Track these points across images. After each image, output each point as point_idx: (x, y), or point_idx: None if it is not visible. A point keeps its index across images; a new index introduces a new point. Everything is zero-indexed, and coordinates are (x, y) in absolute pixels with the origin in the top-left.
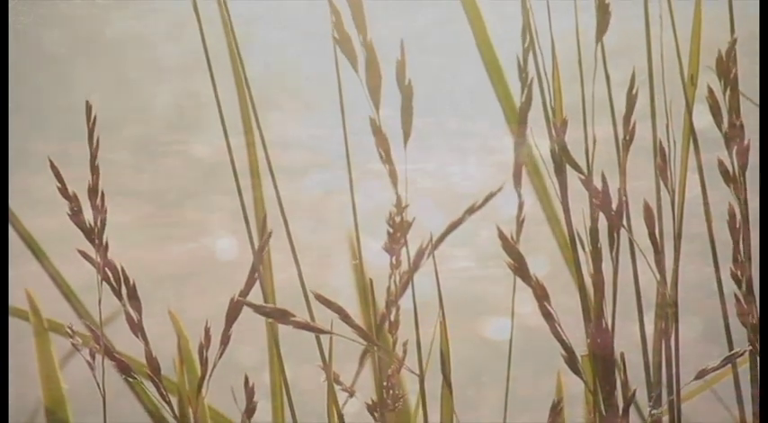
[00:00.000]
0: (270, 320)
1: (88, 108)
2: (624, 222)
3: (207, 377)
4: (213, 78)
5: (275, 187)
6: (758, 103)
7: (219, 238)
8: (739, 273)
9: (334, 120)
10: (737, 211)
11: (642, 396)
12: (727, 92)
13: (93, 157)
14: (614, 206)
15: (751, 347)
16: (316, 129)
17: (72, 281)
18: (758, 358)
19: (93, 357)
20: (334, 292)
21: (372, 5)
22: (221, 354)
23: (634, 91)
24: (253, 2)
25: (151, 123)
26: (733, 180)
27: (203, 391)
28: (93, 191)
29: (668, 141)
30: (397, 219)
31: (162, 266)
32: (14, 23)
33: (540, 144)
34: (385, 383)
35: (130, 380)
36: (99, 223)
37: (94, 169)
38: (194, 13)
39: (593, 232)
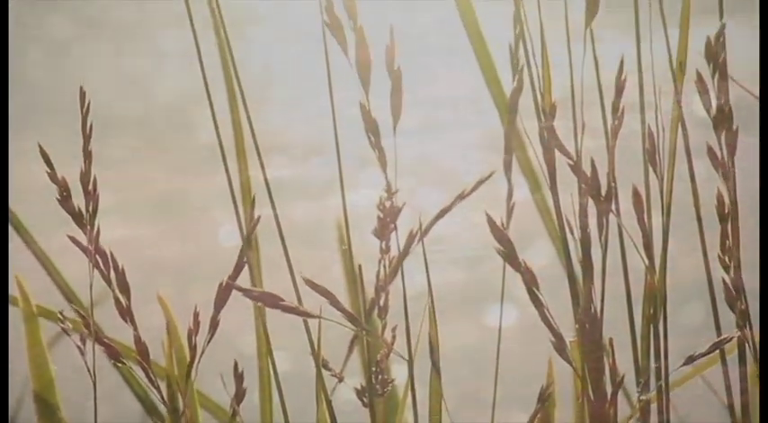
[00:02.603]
0: (258, 304)
1: (82, 94)
2: (613, 207)
3: (196, 362)
4: (202, 65)
5: (263, 171)
6: (744, 85)
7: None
8: (727, 258)
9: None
10: (726, 196)
11: (631, 381)
12: (716, 77)
13: (87, 142)
14: (603, 191)
15: (739, 333)
16: (312, 120)
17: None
18: (757, 352)
19: (83, 343)
20: (323, 277)
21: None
22: (210, 339)
23: (623, 77)
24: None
25: (153, 110)
26: (721, 165)
27: (192, 376)
28: (85, 177)
29: (657, 127)
30: (387, 204)
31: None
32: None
33: (530, 129)
34: (374, 369)
35: (119, 365)
36: (91, 209)
37: (87, 155)
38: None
39: (582, 217)
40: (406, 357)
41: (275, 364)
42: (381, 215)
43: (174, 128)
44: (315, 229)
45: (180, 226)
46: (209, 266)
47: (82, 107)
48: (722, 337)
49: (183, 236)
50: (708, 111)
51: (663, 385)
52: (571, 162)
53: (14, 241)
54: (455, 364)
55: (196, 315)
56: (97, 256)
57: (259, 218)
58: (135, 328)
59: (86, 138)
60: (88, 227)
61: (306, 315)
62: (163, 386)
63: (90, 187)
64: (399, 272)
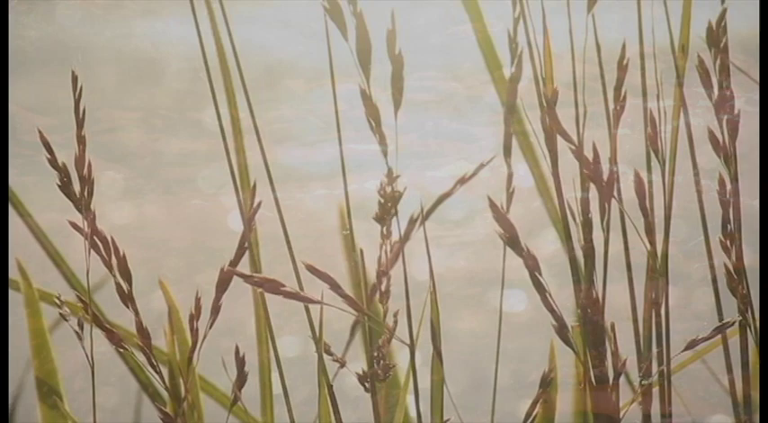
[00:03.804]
0: (259, 290)
1: (74, 78)
2: (615, 193)
3: (197, 347)
4: (205, 57)
5: (263, 157)
6: (745, 70)
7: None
8: (728, 242)
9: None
10: (727, 180)
11: (632, 366)
12: (717, 61)
13: (80, 126)
14: (605, 176)
15: (740, 317)
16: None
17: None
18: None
19: (81, 327)
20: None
21: None
22: (211, 324)
23: (625, 62)
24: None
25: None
26: (723, 149)
27: (194, 361)
28: (80, 161)
29: (659, 111)
30: (388, 189)
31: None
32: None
33: (531, 115)
34: (375, 354)
35: (121, 350)
36: (86, 193)
37: (81, 139)
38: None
39: (584, 202)
40: (408, 342)
41: (276, 348)
42: (382, 200)
43: (183, 114)
44: (318, 215)
45: (189, 211)
46: (218, 251)
47: (74, 92)
48: (724, 322)
49: (192, 221)
50: (709, 95)
51: (665, 370)
52: (573, 147)
53: (15, 224)
54: (460, 350)
55: (198, 300)
56: (97, 242)
57: (260, 203)
58: (136, 314)
59: (79, 123)
60: (84, 211)
61: (307, 300)
62: (165, 371)
63: (84, 172)
64: (401, 257)
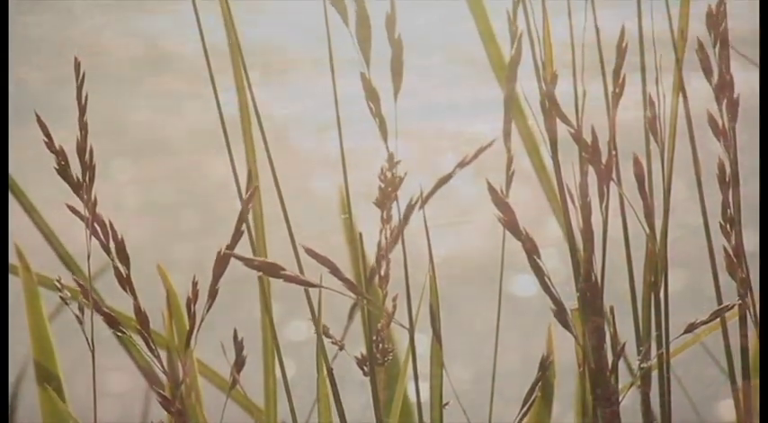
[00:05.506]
0: (259, 274)
1: (76, 64)
2: (614, 176)
3: (195, 331)
4: (202, 34)
5: (264, 142)
6: (745, 54)
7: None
8: (728, 226)
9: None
10: (727, 164)
11: (632, 350)
12: (717, 45)
13: (82, 113)
14: (604, 160)
15: (740, 301)
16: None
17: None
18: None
19: (81, 311)
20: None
21: None
22: (209, 308)
23: (624, 44)
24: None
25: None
26: (722, 133)
27: (191, 344)
28: (81, 147)
29: (658, 95)
30: (388, 174)
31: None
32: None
33: (531, 97)
34: (374, 337)
35: (119, 334)
36: (87, 179)
37: (83, 125)
38: None
39: (583, 186)
40: (407, 326)
41: (275, 332)
42: (383, 185)
43: (190, 101)
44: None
45: (197, 194)
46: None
47: (77, 78)
48: (723, 305)
49: (200, 204)
50: (709, 79)
51: (663, 353)
52: (572, 130)
53: (15, 210)
54: (462, 336)
55: (195, 284)
56: (96, 226)
57: (256, 187)
58: (135, 298)
59: (81, 109)
60: (85, 196)
61: (306, 284)
62: (164, 356)
63: (86, 158)
64: (401, 242)
